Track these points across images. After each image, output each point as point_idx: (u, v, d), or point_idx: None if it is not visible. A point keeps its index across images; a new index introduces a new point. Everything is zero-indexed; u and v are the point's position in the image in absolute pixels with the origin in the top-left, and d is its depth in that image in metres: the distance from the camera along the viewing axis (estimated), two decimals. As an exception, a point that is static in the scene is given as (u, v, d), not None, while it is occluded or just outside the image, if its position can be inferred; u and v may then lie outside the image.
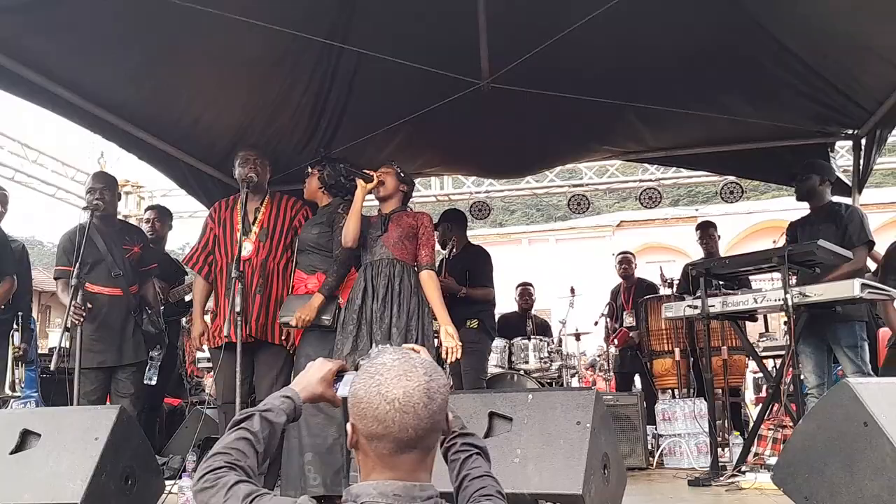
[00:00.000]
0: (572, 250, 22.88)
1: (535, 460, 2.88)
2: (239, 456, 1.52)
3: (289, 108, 5.61)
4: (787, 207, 14.31)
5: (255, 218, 4.38)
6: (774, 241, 8.51)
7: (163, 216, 6.09)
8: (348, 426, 1.43)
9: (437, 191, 9.47)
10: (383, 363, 1.43)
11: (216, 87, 5.30)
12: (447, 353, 3.82)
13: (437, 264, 4.11)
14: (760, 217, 20.65)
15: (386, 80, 5.33)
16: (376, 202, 4.27)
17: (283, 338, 4.25)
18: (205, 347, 4.60)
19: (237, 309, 3.83)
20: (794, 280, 4.65)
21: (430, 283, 3.94)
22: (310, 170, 4.46)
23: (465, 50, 4.86)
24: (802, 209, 5.30)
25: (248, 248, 4.28)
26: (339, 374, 1.80)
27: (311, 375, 1.78)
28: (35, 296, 17.58)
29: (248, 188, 4.20)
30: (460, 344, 3.82)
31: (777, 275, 4.51)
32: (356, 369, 1.72)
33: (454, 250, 5.67)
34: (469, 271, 5.68)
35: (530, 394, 3.11)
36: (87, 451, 3.02)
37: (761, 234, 19.81)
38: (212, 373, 6.02)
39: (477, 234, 18.60)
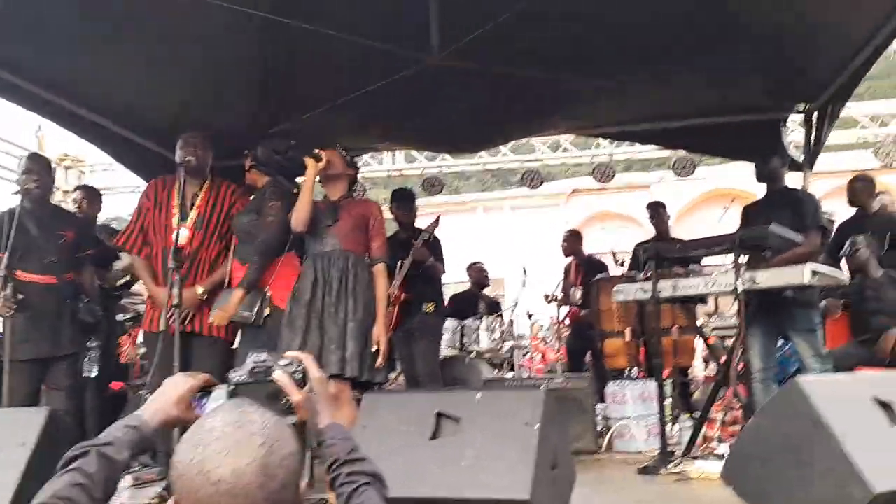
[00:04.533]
0: (527, 218, 22.86)
1: (482, 462, 2.81)
2: None
3: (232, 85, 5.43)
4: (737, 175, 14.37)
5: (193, 204, 4.19)
6: (725, 208, 8.56)
7: (91, 197, 5.83)
8: (171, 502, 1.16)
9: (388, 165, 9.33)
10: (211, 428, 1.13)
11: (157, 63, 5.08)
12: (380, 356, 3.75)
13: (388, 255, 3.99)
14: (712, 184, 20.80)
15: (333, 56, 5.15)
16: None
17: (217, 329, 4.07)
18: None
19: (175, 301, 3.65)
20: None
21: (380, 278, 3.86)
22: (247, 152, 4.29)
23: (415, 25, 4.71)
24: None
25: (184, 235, 4.10)
26: (205, 390, 1.58)
27: (167, 396, 1.53)
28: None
29: (186, 172, 4.00)
30: (385, 350, 3.77)
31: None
32: (226, 382, 1.55)
33: (433, 229, 5.59)
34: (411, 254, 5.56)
35: (479, 393, 3.04)
36: (11, 458, 2.86)
37: (713, 200, 19.85)
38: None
39: (431, 201, 18.43)
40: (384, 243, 3.93)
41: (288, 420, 1.51)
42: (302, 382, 1.57)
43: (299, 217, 3.79)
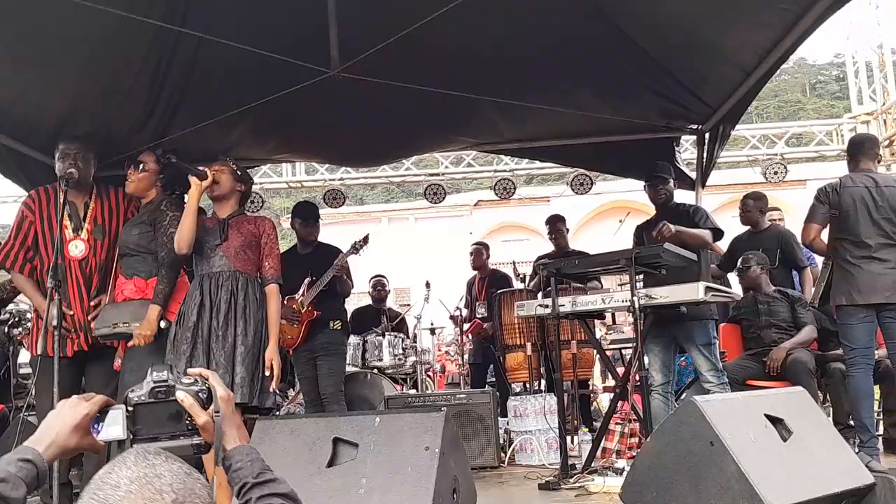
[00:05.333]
0: (431, 229, 22.94)
1: (380, 490, 2.73)
2: None
3: (121, 91, 5.13)
4: (633, 188, 14.86)
5: (86, 214, 3.97)
6: (621, 221, 8.75)
7: None
8: None
9: (288, 177, 9.14)
10: (116, 485, 1.02)
11: (40, 66, 4.76)
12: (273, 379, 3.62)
13: (281, 276, 3.82)
14: (608, 198, 21.34)
15: (230, 65, 4.97)
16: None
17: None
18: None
19: (54, 322, 3.42)
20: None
21: (273, 299, 3.68)
22: (142, 163, 4.04)
23: (314, 37, 4.60)
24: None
25: (80, 248, 3.88)
26: (100, 412, 1.48)
27: (62, 425, 1.42)
28: None
29: (67, 186, 3.77)
30: (278, 374, 3.64)
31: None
32: (125, 402, 1.45)
33: (361, 247, 5.45)
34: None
35: (378, 417, 2.95)
36: None
37: (609, 213, 20.47)
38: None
39: (336, 212, 18.24)
40: (277, 262, 3.76)
41: (193, 441, 1.46)
42: (207, 402, 1.50)
43: (182, 239, 3.59)
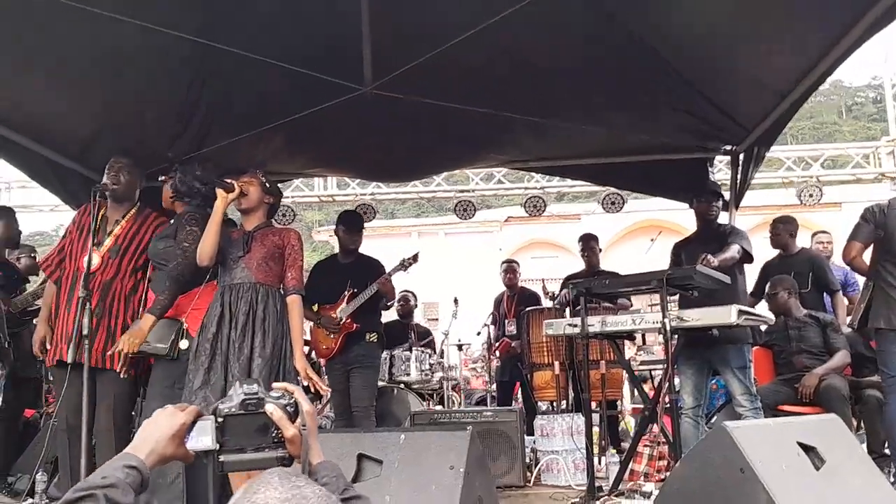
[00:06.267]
0: (461, 244, 22.95)
1: (405, 508, 2.71)
2: None
3: (155, 104, 5.23)
4: (664, 207, 14.77)
5: (112, 231, 4.03)
6: (652, 240, 8.67)
7: (6, 218, 5.47)
8: None
9: (320, 191, 9.22)
10: None
11: (75, 78, 4.86)
12: (314, 388, 3.61)
13: (304, 288, 3.82)
14: (639, 216, 21.23)
15: (264, 80, 5.03)
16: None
17: (121, 366, 3.76)
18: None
19: (84, 332, 3.46)
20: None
21: (294, 310, 3.68)
22: (163, 177, 4.14)
23: (347, 54, 4.65)
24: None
25: (93, 262, 3.92)
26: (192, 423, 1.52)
27: (161, 434, 1.46)
28: None
29: (102, 196, 3.83)
30: (318, 379, 3.65)
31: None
32: (214, 413, 1.49)
33: (410, 264, 5.47)
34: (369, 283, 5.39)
35: (403, 434, 2.94)
36: None
37: (640, 231, 20.40)
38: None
39: (367, 226, 18.28)
40: (300, 273, 3.77)
41: (277, 454, 1.50)
42: (294, 415, 1.53)
43: (203, 251, 3.62)
